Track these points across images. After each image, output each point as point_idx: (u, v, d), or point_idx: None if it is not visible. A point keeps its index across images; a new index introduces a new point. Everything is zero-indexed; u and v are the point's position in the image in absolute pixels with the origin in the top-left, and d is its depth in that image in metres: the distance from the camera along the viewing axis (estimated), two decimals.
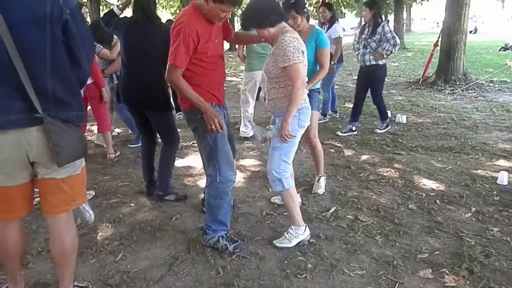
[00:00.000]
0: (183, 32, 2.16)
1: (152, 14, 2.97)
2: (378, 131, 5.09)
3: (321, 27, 5.40)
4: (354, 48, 5.13)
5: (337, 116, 5.90)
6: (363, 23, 5.39)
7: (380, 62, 4.80)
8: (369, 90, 5.04)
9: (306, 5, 10.23)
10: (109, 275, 2.28)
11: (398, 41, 4.70)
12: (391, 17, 45.59)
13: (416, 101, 7.01)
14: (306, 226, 2.56)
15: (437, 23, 24.79)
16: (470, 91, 7.64)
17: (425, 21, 52.97)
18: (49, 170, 1.70)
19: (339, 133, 5.02)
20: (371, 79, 4.92)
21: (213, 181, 2.44)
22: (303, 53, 2.32)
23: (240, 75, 11.40)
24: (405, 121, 5.50)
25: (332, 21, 5.41)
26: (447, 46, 8.08)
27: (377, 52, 4.71)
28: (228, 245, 2.46)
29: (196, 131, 2.46)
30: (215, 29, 2.31)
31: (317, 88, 3.24)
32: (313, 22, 5.96)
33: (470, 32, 8.56)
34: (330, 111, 5.94)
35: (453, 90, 7.74)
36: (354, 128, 5.08)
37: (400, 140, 4.72)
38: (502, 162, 3.90)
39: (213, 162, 2.42)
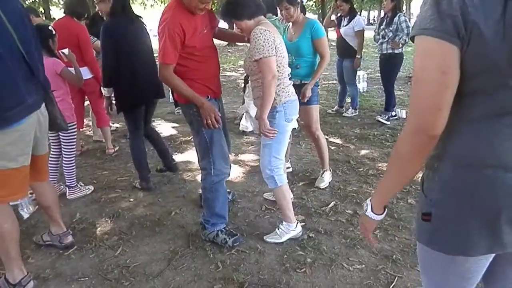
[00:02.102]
0: (168, 28, 2.16)
1: (132, 11, 3.12)
2: (380, 119, 5.20)
3: (341, 21, 5.41)
4: (375, 39, 5.29)
5: (343, 111, 5.86)
6: (381, 16, 5.53)
7: (396, 51, 4.98)
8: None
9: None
10: (109, 270, 2.28)
11: (410, 30, 4.74)
12: None
13: None
14: (297, 222, 2.55)
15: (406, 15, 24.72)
16: None
17: None
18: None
19: (380, 119, 5.23)
20: (386, 67, 5.17)
21: (208, 174, 2.45)
22: (276, 47, 2.23)
23: (239, 70, 11.36)
24: (404, 116, 5.48)
25: (352, 13, 5.39)
26: None
27: (394, 41, 4.88)
28: (228, 239, 2.46)
29: (191, 124, 2.46)
30: (200, 20, 2.30)
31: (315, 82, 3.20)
32: (313, 16, 5.90)
33: None
34: (337, 106, 5.94)
35: None
36: (394, 114, 5.34)
37: (399, 135, 4.69)
38: None
39: (207, 155, 2.43)
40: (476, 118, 0.88)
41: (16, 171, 1.93)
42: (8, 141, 1.85)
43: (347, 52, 5.41)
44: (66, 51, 3.00)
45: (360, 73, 5.92)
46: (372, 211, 1.10)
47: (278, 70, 2.27)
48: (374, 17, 53.48)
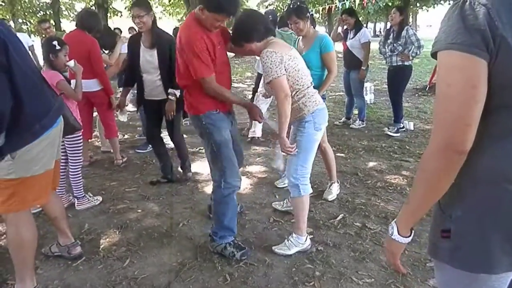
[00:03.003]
0: (195, 45, 2.20)
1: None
2: (388, 132, 5.17)
3: (348, 33, 5.46)
4: (381, 52, 5.33)
5: (350, 123, 5.86)
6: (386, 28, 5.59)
7: (406, 63, 5.02)
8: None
9: (313, 12, 10.26)
10: (117, 281, 2.28)
11: (422, 43, 4.90)
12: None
13: (423, 107, 6.97)
14: (307, 236, 2.54)
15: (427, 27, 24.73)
16: None
17: (431, 28, 52.95)
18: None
19: (389, 132, 5.22)
20: (394, 79, 5.19)
21: (218, 186, 2.46)
22: (284, 65, 2.24)
23: (246, 81, 11.43)
24: (412, 128, 5.47)
25: (358, 26, 5.43)
26: None
27: (404, 54, 4.92)
28: (235, 252, 2.45)
29: (201, 136, 2.49)
30: (215, 36, 2.34)
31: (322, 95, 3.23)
32: (322, 29, 5.94)
33: None
34: (344, 118, 5.94)
35: None
36: (402, 125, 5.32)
37: (407, 147, 4.69)
38: None
39: (218, 167, 2.44)
40: (500, 133, 0.87)
41: (43, 175, 2.00)
42: (41, 148, 1.93)
43: (354, 64, 5.43)
44: (71, 63, 3.04)
45: (367, 84, 5.93)
46: (398, 233, 1.03)
47: (296, 84, 2.32)
48: (380, 29, 53.67)
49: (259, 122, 2.60)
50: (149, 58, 3.38)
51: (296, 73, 2.33)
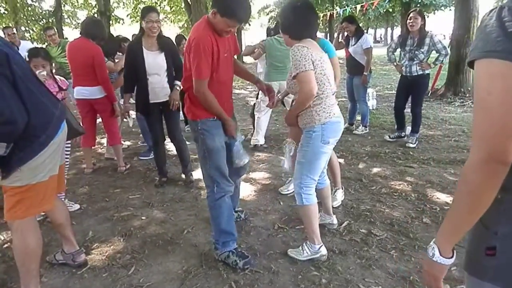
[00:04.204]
0: (202, 44, 2.21)
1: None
2: (411, 145, 4.91)
3: (349, 40, 5.46)
4: (391, 59, 5.16)
5: (353, 129, 5.86)
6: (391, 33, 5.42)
7: (426, 72, 4.79)
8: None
9: None
10: None
11: (448, 51, 4.73)
12: (397, 30, 45.80)
13: (426, 113, 6.94)
14: (321, 245, 2.49)
15: (444, 35, 24.89)
16: None
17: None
18: (64, 154, 2.24)
19: (387, 138, 5.17)
20: (415, 89, 4.87)
21: (211, 191, 2.47)
22: (313, 62, 2.22)
23: (247, 88, 11.46)
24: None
25: (359, 32, 5.42)
26: (456, 59, 8.05)
27: (425, 63, 4.70)
28: (238, 261, 2.44)
29: (196, 141, 2.49)
30: (223, 43, 2.35)
31: None
32: (320, 34, 5.94)
33: None
34: (347, 124, 5.92)
35: (462, 102, 7.70)
36: (403, 134, 5.17)
37: (411, 153, 4.68)
38: None
39: (208, 173, 2.45)
40: None
41: (48, 181, 2.00)
42: (47, 156, 1.94)
43: (357, 70, 5.44)
44: (43, 74, 2.93)
45: (369, 90, 5.92)
46: (441, 255, 0.97)
47: (318, 89, 2.26)
48: (381, 35, 53.92)
49: (233, 139, 2.53)
50: (157, 61, 3.52)
51: (322, 77, 2.28)
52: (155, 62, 3.51)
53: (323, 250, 2.49)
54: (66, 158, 3.10)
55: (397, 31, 45.29)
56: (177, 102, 3.57)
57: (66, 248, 2.47)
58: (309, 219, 2.46)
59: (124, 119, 3.92)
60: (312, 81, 2.21)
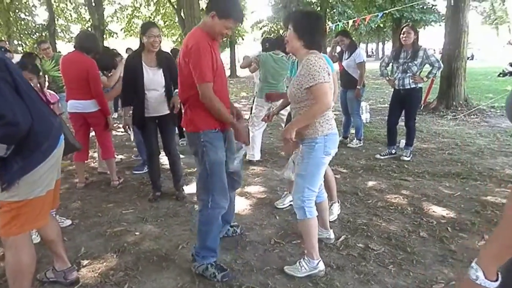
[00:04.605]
0: (202, 48, 2.22)
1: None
2: (405, 158, 4.92)
3: (343, 54, 5.51)
4: (383, 74, 5.16)
5: (347, 142, 5.87)
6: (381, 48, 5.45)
7: (419, 85, 4.82)
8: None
9: None
10: None
11: (441, 64, 4.77)
12: (388, 45, 46.49)
13: (419, 126, 6.99)
14: (320, 261, 2.46)
15: (434, 50, 25.33)
16: (472, 116, 7.67)
17: None
18: (60, 169, 2.15)
19: (378, 156, 5.08)
20: (408, 102, 4.88)
21: (205, 206, 2.42)
22: (329, 74, 2.25)
23: (241, 101, 11.49)
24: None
25: (352, 46, 5.48)
26: (447, 73, 8.16)
27: (418, 76, 4.73)
28: (217, 273, 2.40)
29: (196, 154, 2.43)
30: (216, 49, 2.37)
31: None
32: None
33: (468, 58, 8.75)
34: (342, 137, 5.92)
35: (455, 115, 7.78)
36: (393, 151, 5.10)
37: (406, 166, 4.69)
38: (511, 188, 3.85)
39: (207, 187, 2.40)
40: None
41: (45, 197, 1.96)
42: (45, 169, 1.90)
43: (351, 84, 5.47)
44: None
45: (363, 104, 5.97)
46: (485, 277, 0.89)
47: None
48: (372, 49, 54.70)
49: (246, 145, 2.53)
50: (156, 77, 3.53)
51: (331, 89, 2.30)
52: (154, 78, 3.51)
53: (321, 266, 2.45)
54: None
55: (388, 45, 46.02)
56: (178, 106, 3.55)
57: (58, 265, 2.40)
58: (309, 233, 2.43)
59: (127, 132, 3.88)
60: (329, 93, 2.22)
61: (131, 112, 3.67)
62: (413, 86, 4.77)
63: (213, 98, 2.27)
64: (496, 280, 0.90)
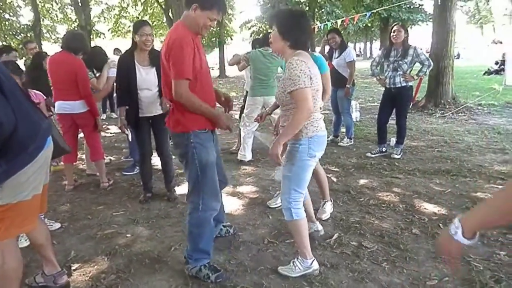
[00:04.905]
0: (184, 44, 2.16)
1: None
2: (396, 156, 4.95)
3: (333, 52, 5.51)
4: (374, 74, 5.14)
5: (338, 141, 5.88)
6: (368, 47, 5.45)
7: (410, 84, 4.82)
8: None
9: None
10: None
11: (431, 62, 4.78)
12: (375, 44, 46.85)
13: (409, 124, 7.01)
14: (313, 260, 2.44)
15: (421, 49, 25.56)
16: (460, 114, 7.77)
17: None
18: (48, 173, 2.10)
19: (369, 154, 5.07)
20: (399, 101, 4.89)
21: (195, 208, 2.36)
22: (311, 78, 2.18)
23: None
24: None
25: (343, 45, 5.49)
26: (435, 72, 8.23)
27: (407, 75, 4.73)
28: (210, 275, 2.37)
29: (184, 156, 2.34)
30: (199, 43, 2.31)
31: None
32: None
33: (454, 57, 8.88)
34: (332, 136, 5.94)
35: (443, 113, 7.86)
36: (384, 149, 5.11)
37: (396, 164, 4.71)
38: (500, 184, 3.89)
39: (197, 189, 2.35)
40: None
41: (31, 201, 1.89)
42: (32, 172, 1.83)
43: (341, 83, 5.48)
44: None
45: (353, 103, 6.00)
46: (463, 235, 0.98)
47: None
48: (360, 48, 55.07)
49: (230, 131, 2.49)
50: (149, 76, 3.48)
51: (314, 93, 2.24)
52: (147, 78, 3.47)
53: (315, 265, 2.44)
54: None
55: (376, 45, 46.39)
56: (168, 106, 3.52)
57: (47, 269, 2.35)
58: (300, 233, 2.41)
59: (125, 133, 3.83)
60: (310, 99, 2.16)
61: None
62: (403, 84, 4.78)
63: (189, 96, 2.20)
64: (472, 239, 0.98)
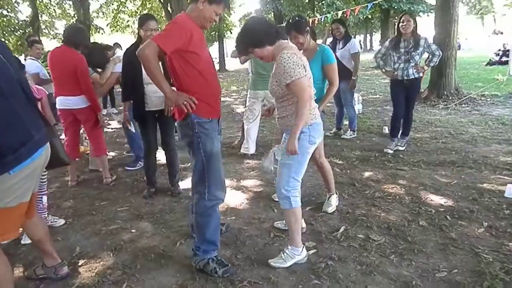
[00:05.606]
0: (179, 23, 2.19)
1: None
2: (400, 148, 4.88)
3: (337, 43, 5.44)
4: (379, 66, 4.98)
5: (341, 133, 5.84)
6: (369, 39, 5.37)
7: (420, 75, 4.72)
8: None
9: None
10: None
11: (441, 52, 4.72)
12: (376, 36, 46.59)
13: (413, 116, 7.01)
14: (303, 247, 2.48)
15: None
16: (463, 105, 7.71)
17: None
18: (38, 182, 2.04)
19: (389, 151, 4.81)
20: (412, 92, 4.79)
21: (201, 198, 2.36)
22: (304, 67, 2.27)
23: (232, 95, 11.42)
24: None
25: (347, 36, 5.42)
26: (438, 63, 8.10)
27: (420, 66, 4.65)
28: (218, 269, 2.36)
29: (190, 145, 2.35)
30: (204, 38, 2.33)
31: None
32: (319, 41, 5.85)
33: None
34: (335, 129, 5.90)
35: (446, 104, 7.81)
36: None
37: (401, 156, 4.68)
38: (506, 175, 3.86)
39: (203, 179, 2.34)
40: None
41: (15, 208, 1.81)
42: (16, 180, 1.75)
43: (344, 75, 5.39)
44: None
45: (355, 95, 5.94)
46: None
47: None
48: (360, 41, 54.85)
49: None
50: None
51: (308, 81, 2.32)
52: None
53: (305, 252, 2.50)
54: (44, 183, 2.94)
55: (376, 37, 46.15)
56: (172, 108, 3.47)
57: (48, 261, 2.34)
58: (296, 222, 2.46)
59: (128, 128, 3.80)
60: (308, 87, 2.27)
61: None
62: (416, 75, 4.67)
63: (150, 59, 2.08)
64: None
